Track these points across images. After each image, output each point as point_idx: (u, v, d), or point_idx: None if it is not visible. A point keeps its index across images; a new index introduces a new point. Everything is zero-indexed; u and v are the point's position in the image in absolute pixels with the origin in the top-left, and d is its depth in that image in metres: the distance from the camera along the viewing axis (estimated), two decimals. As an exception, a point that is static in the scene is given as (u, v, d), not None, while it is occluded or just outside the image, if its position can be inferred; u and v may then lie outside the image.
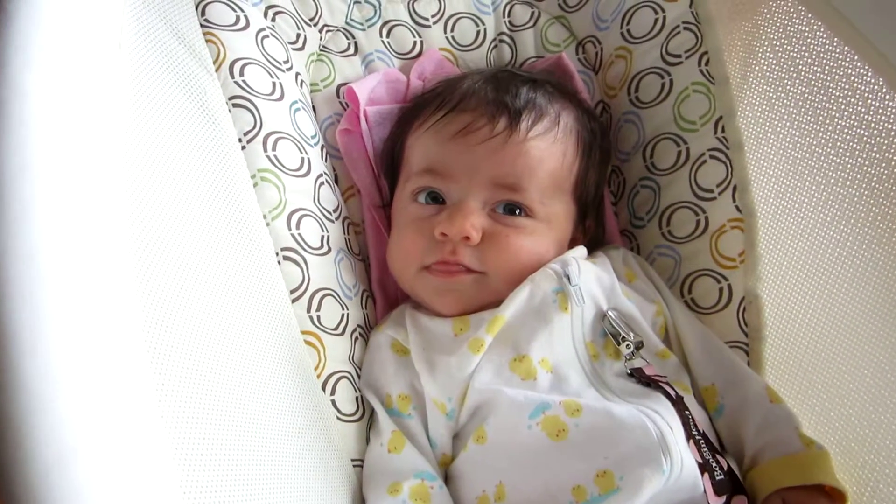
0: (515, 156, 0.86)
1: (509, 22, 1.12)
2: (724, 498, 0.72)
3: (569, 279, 0.83)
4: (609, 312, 0.85)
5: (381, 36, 1.07)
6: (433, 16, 1.09)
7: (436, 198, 0.89)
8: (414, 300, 0.94)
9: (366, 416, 0.86)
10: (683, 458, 0.71)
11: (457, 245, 0.85)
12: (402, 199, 0.93)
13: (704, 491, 0.71)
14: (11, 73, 0.51)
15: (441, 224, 0.85)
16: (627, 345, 0.82)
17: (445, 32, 1.09)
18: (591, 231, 0.99)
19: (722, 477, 0.73)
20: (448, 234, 0.84)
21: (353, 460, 0.82)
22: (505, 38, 1.12)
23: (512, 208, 0.87)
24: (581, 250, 0.91)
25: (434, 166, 0.89)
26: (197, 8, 0.86)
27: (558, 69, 1.07)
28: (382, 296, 0.98)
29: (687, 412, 0.76)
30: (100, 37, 0.61)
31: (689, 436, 0.74)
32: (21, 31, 0.54)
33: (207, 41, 0.85)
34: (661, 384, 0.79)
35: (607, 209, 1.05)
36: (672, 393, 0.78)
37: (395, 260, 0.92)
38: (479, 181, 0.86)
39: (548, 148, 0.89)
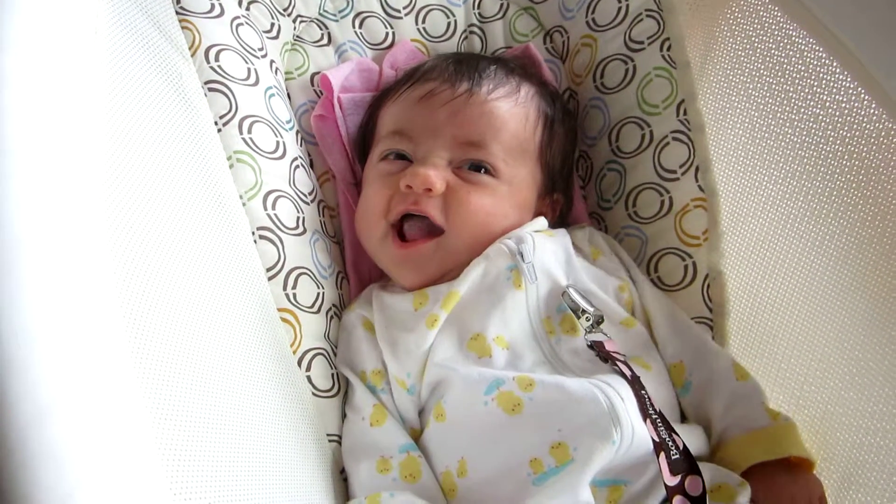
0: (478, 115, 0.91)
1: (479, 13, 1.15)
2: (679, 477, 0.72)
3: (522, 256, 0.85)
4: (568, 288, 0.86)
5: (353, 27, 1.09)
6: (405, 7, 1.11)
7: (403, 158, 0.93)
8: (382, 280, 0.96)
9: (341, 393, 0.88)
10: (635, 427, 0.72)
11: (419, 196, 0.88)
12: (371, 164, 0.96)
13: (660, 470, 0.71)
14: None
15: (405, 177, 0.88)
16: (587, 317, 0.83)
17: (417, 24, 1.12)
18: (559, 205, 1.02)
19: (678, 456, 0.73)
20: (412, 185, 0.87)
21: (328, 435, 0.84)
22: (475, 29, 1.14)
23: (477, 166, 0.90)
24: (541, 222, 0.93)
25: (400, 128, 0.93)
26: (172, -3, 0.89)
27: (526, 58, 1.10)
28: (356, 277, 1.00)
29: (643, 392, 0.76)
30: (76, 22, 0.63)
31: (645, 415, 0.74)
32: (-1, 15, 0.56)
33: (183, 28, 0.87)
34: (617, 362, 0.79)
35: (576, 192, 1.08)
36: (628, 373, 0.78)
37: (362, 218, 0.94)
38: (442, 140, 0.90)
39: (510, 110, 0.92)
